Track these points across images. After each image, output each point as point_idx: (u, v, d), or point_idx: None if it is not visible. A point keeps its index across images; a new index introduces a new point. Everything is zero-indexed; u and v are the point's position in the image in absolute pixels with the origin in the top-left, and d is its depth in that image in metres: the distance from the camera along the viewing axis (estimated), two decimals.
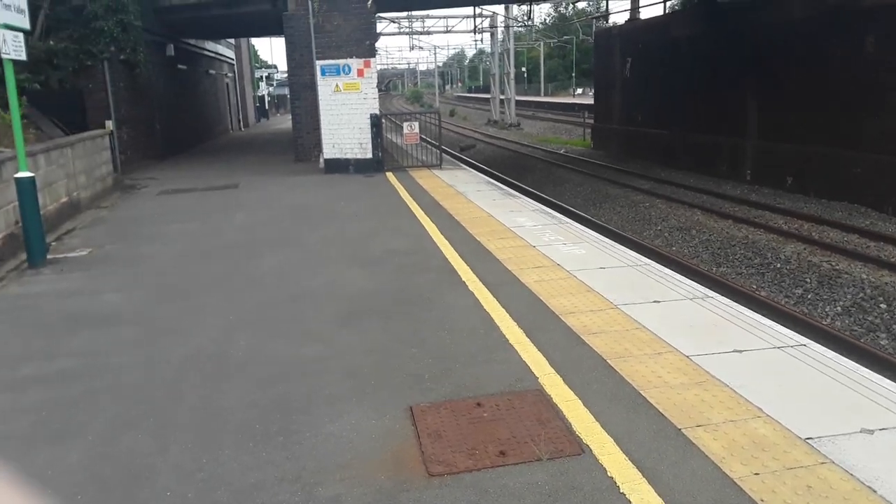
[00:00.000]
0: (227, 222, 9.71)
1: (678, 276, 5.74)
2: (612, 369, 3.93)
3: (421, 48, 74.48)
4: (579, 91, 76.13)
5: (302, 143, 17.30)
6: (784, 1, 16.85)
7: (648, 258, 6.64)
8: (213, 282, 6.54)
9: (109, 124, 16.31)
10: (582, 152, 27.18)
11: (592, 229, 8.60)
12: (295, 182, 13.64)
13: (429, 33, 46.75)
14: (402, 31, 46.13)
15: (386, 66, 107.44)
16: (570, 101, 56.84)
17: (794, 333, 4.31)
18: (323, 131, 14.51)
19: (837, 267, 9.77)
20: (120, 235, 9.16)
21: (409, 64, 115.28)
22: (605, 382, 3.78)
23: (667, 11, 28.56)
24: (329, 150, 14.47)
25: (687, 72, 20.88)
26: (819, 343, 7.35)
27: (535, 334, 4.55)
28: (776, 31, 16.94)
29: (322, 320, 5.19)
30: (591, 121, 30.15)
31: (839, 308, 8.55)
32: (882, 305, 8.26)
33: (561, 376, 3.88)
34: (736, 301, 5.37)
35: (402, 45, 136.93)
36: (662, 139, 22.48)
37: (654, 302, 5.06)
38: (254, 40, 58.79)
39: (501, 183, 13.49)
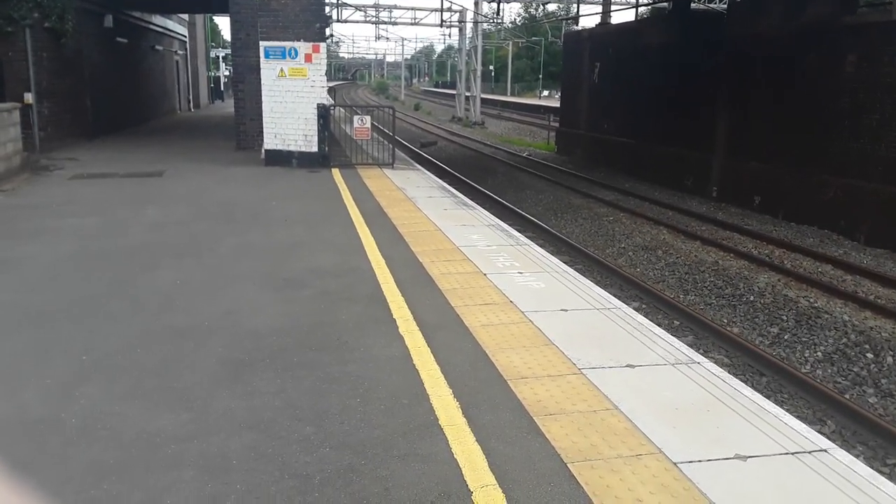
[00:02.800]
0: (135, 219, 8.36)
1: (656, 328, 4.69)
2: (576, 482, 2.84)
3: (388, 39, 72.64)
4: (546, 93, 75.62)
5: (244, 131, 15.89)
6: (760, 14, 16.15)
7: (615, 296, 5.61)
8: (84, 302, 5.26)
9: (29, 97, 14.69)
10: (546, 156, 26.29)
11: (554, 254, 7.58)
12: (229, 173, 12.28)
13: (395, 24, 45.40)
14: (367, 19, 44.63)
15: (352, 55, 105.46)
16: (537, 103, 56.13)
17: (810, 431, 3.29)
18: (265, 119, 13.17)
19: (816, 304, 8.95)
20: None
21: (376, 54, 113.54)
22: None
23: (638, 18, 27.88)
24: (270, 141, 13.14)
25: (657, 81, 20.11)
26: (801, 395, 6.50)
27: (474, 412, 3.44)
28: (751, 45, 16.22)
29: (202, 371, 3.99)
30: (557, 124, 29.30)
31: (820, 354, 7.68)
32: (869, 355, 7.42)
33: (503, 491, 2.78)
34: (728, 361, 4.38)
35: (368, 35, 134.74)
36: (629, 148, 21.71)
37: (628, 367, 4.00)
38: (216, 19, 56.55)
39: (458, 188, 12.38)
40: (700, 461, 2.99)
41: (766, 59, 15.73)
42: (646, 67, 20.70)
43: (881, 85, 12.66)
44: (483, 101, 44.46)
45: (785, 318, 8.68)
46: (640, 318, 4.88)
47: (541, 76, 78.23)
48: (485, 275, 5.91)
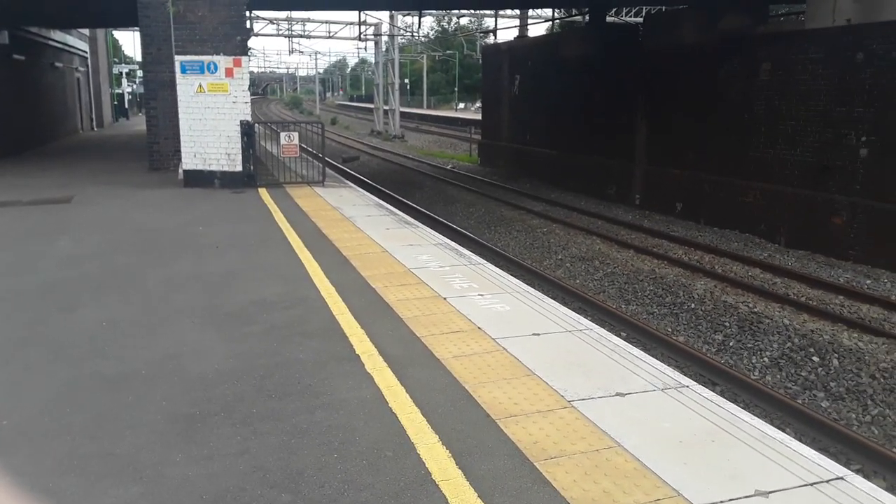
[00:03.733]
0: (46, 252, 7.56)
1: (634, 350, 4.51)
2: None
3: (301, 52, 71.49)
4: (462, 106, 76.33)
5: (158, 150, 14.97)
6: (675, 26, 16.67)
7: (581, 316, 5.42)
8: None
9: None
10: (469, 168, 26.30)
11: (509, 272, 7.35)
12: (146, 197, 11.46)
13: (310, 37, 44.65)
14: (280, 33, 43.65)
15: (264, 70, 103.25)
16: (454, 115, 56.51)
17: (822, 457, 3.15)
18: (183, 138, 12.40)
19: (755, 309, 9.11)
20: None
21: (288, 69, 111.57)
22: None
23: (555, 30, 28.42)
24: (190, 160, 12.38)
25: (577, 92, 20.45)
26: (756, 403, 6.43)
27: (468, 461, 3.11)
28: (667, 55, 16.71)
29: (147, 431, 3.48)
30: (479, 136, 29.41)
31: (766, 359, 7.79)
32: (815, 358, 7.57)
33: None
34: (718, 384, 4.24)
35: (280, 49, 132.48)
36: (551, 159, 21.96)
37: (618, 395, 3.78)
38: (117, 34, 53.93)
39: (394, 205, 12.02)
40: (723, 502, 2.77)
41: (683, 68, 16.22)
42: (565, 79, 21.02)
43: (795, 92, 13.23)
44: (401, 114, 44.25)
45: (728, 324, 8.80)
46: (616, 339, 4.69)
47: (456, 89, 78.93)
48: (445, 299, 5.59)
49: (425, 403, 3.70)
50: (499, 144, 26.13)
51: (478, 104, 68.97)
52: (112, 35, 49.49)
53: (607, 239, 13.58)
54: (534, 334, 4.75)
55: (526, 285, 6.07)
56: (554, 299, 9.57)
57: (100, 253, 7.51)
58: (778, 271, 11.25)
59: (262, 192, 11.80)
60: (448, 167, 26.44)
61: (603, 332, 4.82)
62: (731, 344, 8.29)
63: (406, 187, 20.16)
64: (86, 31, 31.36)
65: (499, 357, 4.34)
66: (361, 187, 15.98)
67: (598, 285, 10.81)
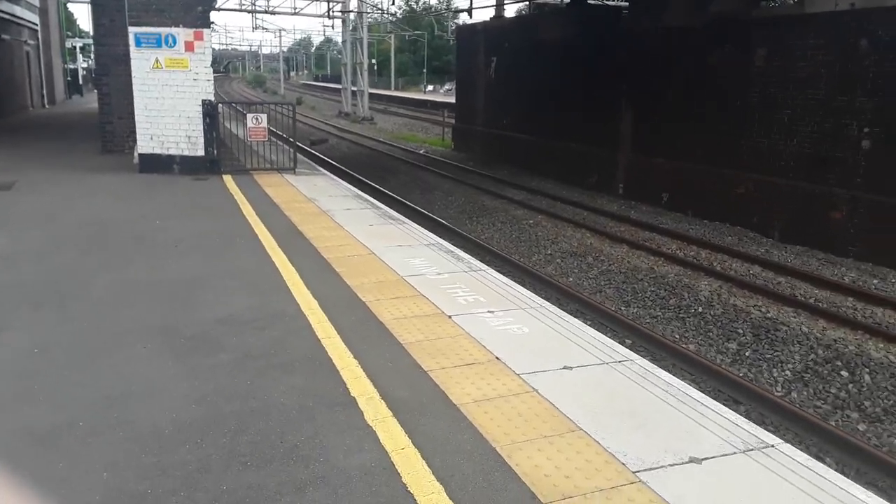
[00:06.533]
0: None
1: (692, 391, 3.72)
2: None
3: (265, 29, 69.22)
4: (430, 88, 75.08)
5: (111, 131, 13.78)
6: (663, 8, 15.94)
7: (614, 339, 4.63)
8: None
9: None
10: (443, 153, 25.35)
11: (515, 280, 6.53)
12: (96, 183, 10.33)
13: (274, 13, 43.00)
14: (243, 7, 41.87)
15: (225, 46, 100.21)
16: (423, 98, 55.36)
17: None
18: (138, 118, 11.25)
19: (769, 314, 8.46)
20: None
21: (251, 46, 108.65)
22: None
23: (532, 11, 27.48)
24: (146, 143, 11.24)
25: (557, 76, 19.61)
26: (788, 427, 5.63)
27: None
28: (654, 39, 15.98)
29: None
30: (452, 120, 28.44)
31: (788, 373, 7.13)
32: (843, 373, 6.93)
33: None
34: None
35: (244, 25, 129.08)
36: (529, 145, 21.15)
37: (692, 462, 2.98)
38: (71, 6, 51.24)
39: (370, 193, 11.08)
40: None
41: (671, 53, 15.51)
42: (545, 62, 20.17)
43: (793, 80, 12.62)
44: (369, 96, 42.93)
45: (741, 331, 8.13)
46: (665, 374, 3.90)
47: (425, 70, 77.55)
48: (450, 317, 4.74)
49: (449, 476, 2.86)
50: (474, 129, 25.21)
51: (447, 86, 67.83)
52: (65, 7, 47.05)
53: (597, 232, 12.85)
54: (565, 367, 3.94)
55: (541, 299, 5.25)
56: (547, 299, 8.89)
57: (38, 253, 6.46)
58: (779, 269, 10.66)
59: (227, 179, 10.75)
60: (421, 152, 25.46)
61: (646, 364, 4.03)
62: (747, 354, 7.62)
63: (380, 173, 19.17)
64: (36, 2, 29.38)
65: (530, 402, 3.52)
66: (334, 173, 14.99)
67: (594, 284, 10.07)
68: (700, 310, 8.77)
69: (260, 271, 5.87)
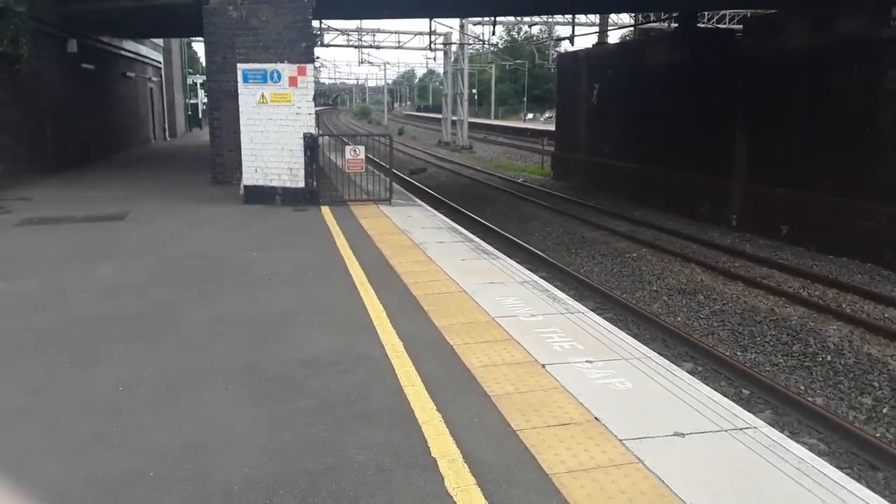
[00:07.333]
0: (82, 280, 6.72)
1: (829, 468, 3.15)
2: None
3: (371, 63, 71.58)
4: (530, 116, 74.89)
5: (221, 163, 14.31)
6: (781, 30, 14.93)
7: (730, 387, 4.07)
8: None
9: None
10: (542, 182, 24.92)
11: (577, 299, 6.05)
12: (203, 214, 10.68)
13: (379, 48, 44.18)
14: (350, 43, 43.43)
15: (334, 80, 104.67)
16: (522, 126, 55.19)
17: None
18: (244, 151, 11.60)
19: None
20: None
21: (357, 79, 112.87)
22: None
23: (636, 37, 26.77)
24: (250, 175, 11.56)
25: (663, 102, 18.82)
26: None
27: None
28: (770, 62, 14.98)
29: None
30: (552, 148, 28.00)
31: None
32: None
33: None
34: None
35: (350, 59, 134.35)
36: (633, 173, 20.36)
37: None
38: (195, 45, 55.03)
39: (465, 222, 10.87)
40: None
41: (789, 76, 14.48)
42: (650, 88, 19.44)
43: None
44: (469, 124, 43.21)
45: (877, 384, 7.20)
46: (794, 446, 3.34)
47: (525, 99, 77.53)
48: (543, 366, 4.35)
49: None
50: (574, 157, 24.66)
51: (547, 115, 67.43)
52: (189, 46, 50.57)
53: (708, 268, 12.00)
54: (676, 434, 3.45)
55: (646, 348, 4.74)
56: (652, 340, 8.26)
57: (140, 284, 6.61)
58: None
59: (325, 210, 10.85)
60: (519, 180, 25.14)
61: (774, 433, 3.48)
62: (884, 411, 6.71)
63: (476, 202, 18.99)
64: (160, 42, 31.66)
65: (634, 476, 3.07)
66: (430, 202, 14.94)
67: (706, 325, 9.31)
68: (828, 358, 7.87)
69: (347, 308, 5.70)
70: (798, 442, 5.63)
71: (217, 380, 4.27)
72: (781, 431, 5.75)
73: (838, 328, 8.73)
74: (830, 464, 5.31)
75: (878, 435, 6.25)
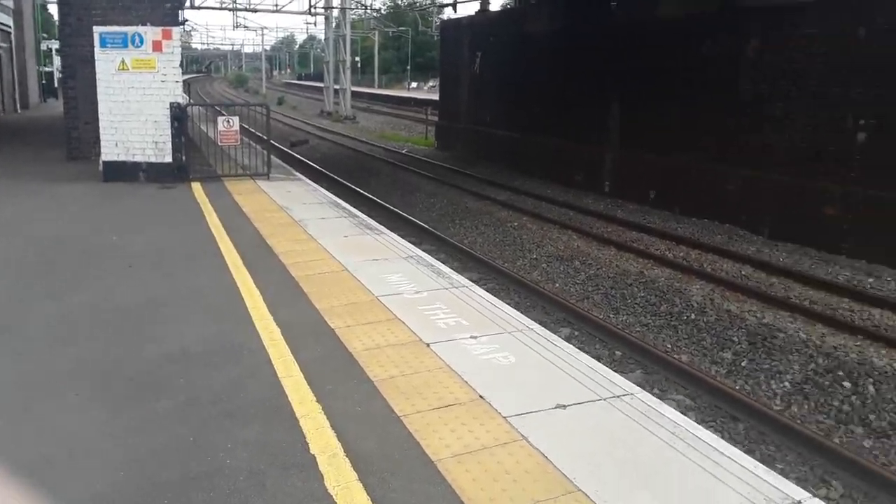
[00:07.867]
0: None
1: (702, 431, 3.27)
2: None
3: (247, 28, 68.18)
4: (414, 85, 74.47)
5: (78, 137, 13.16)
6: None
7: (604, 349, 4.18)
8: None
9: None
10: (426, 152, 24.83)
11: (460, 271, 6.06)
12: (57, 194, 9.75)
13: (255, 11, 42.15)
14: (224, 6, 41.11)
15: (206, 46, 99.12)
16: (406, 95, 54.76)
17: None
18: (102, 123, 10.67)
19: (764, 320, 8.06)
20: None
21: (232, 45, 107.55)
22: None
23: (520, 3, 26.98)
24: (110, 150, 10.66)
25: (542, 71, 19.16)
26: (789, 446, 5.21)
27: None
28: (642, 31, 15.54)
29: None
30: (435, 118, 27.92)
31: (787, 384, 6.72)
32: (846, 384, 6.53)
33: None
34: None
35: (225, 24, 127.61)
36: (513, 143, 20.68)
37: None
38: (52, 7, 49.93)
39: (350, 197, 10.58)
40: None
41: (660, 45, 15.05)
42: (530, 56, 19.70)
43: (787, 72, 12.23)
44: (352, 94, 42.30)
45: (735, 339, 7.72)
46: (669, 410, 3.45)
47: (409, 67, 76.89)
48: (428, 345, 4.26)
49: None
50: (457, 126, 24.71)
51: (431, 83, 67.19)
52: (41, 7, 45.90)
53: (584, 234, 12.40)
54: (558, 406, 3.47)
55: (528, 320, 4.76)
56: (532, 308, 8.43)
57: None
58: (771, 269, 10.26)
59: (196, 186, 10.20)
60: (403, 151, 24.93)
61: (649, 398, 3.57)
62: (743, 364, 7.21)
63: (360, 174, 18.64)
64: (9, 3, 28.52)
65: (518, 454, 3.05)
66: (312, 175, 14.48)
67: (582, 290, 9.62)
68: (692, 316, 8.34)
69: (220, 294, 5.36)
70: (666, 400, 5.95)
71: (69, 384, 3.86)
72: (651, 391, 6.07)
73: (700, 287, 9.29)
74: (696, 419, 5.66)
75: (737, 388, 6.70)
